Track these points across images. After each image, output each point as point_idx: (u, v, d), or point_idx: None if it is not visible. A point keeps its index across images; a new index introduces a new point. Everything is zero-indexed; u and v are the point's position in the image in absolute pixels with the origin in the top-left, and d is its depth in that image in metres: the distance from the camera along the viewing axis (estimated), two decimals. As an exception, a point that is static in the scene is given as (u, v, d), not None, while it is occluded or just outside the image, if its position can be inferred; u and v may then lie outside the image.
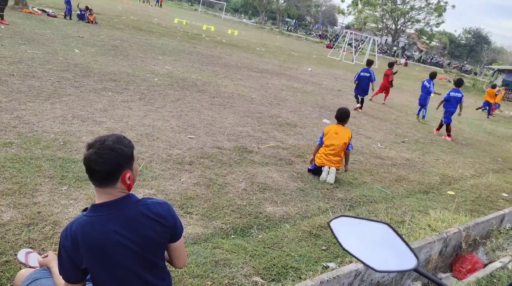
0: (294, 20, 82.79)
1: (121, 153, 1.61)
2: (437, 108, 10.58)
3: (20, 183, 3.38)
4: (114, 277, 1.64)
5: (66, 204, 3.25)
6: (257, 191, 4.31)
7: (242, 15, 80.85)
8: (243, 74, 12.41)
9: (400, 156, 7.00)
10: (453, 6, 52.55)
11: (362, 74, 10.84)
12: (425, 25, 55.20)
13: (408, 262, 1.25)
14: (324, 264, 3.09)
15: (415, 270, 1.24)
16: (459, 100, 9.52)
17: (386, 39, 63.22)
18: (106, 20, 18.32)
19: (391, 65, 13.59)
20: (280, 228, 3.63)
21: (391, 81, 13.17)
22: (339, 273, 2.80)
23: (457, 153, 8.29)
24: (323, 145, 5.16)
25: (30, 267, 2.22)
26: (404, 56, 52.57)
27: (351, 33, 36.03)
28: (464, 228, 4.12)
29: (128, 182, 1.67)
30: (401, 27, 56.57)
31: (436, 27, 55.92)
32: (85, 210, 1.68)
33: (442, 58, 65.76)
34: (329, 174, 4.99)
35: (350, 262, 3.02)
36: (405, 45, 73.03)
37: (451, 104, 9.53)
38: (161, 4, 49.13)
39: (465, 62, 71.64)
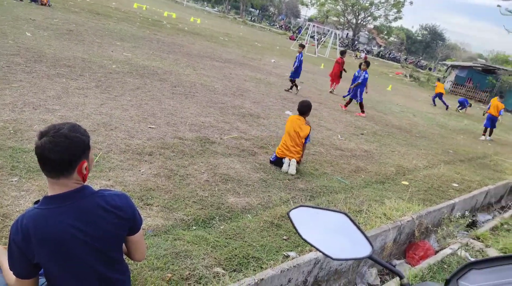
0: (258, 11, 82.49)
1: (78, 142, 1.53)
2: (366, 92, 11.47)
3: (-37, 175, 3.15)
4: (69, 272, 1.58)
5: (17, 195, 3.07)
6: (219, 182, 4.29)
7: (205, 3, 79.43)
8: (206, 64, 12.24)
9: (359, 148, 7.22)
10: (411, 3, 54.55)
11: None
12: (384, 20, 57.04)
13: (364, 250, 1.29)
14: (285, 254, 3.15)
15: (370, 257, 1.29)
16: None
17: (348, 33, 64.60)
18: (60, 2, 17.33)
19: (343, 53, 14.14)
20: (242, 218, 3.64)
21: (341, 70, 13.74)
22: (299, 262, 2.86)
23: (411, 145, 8.67)
24: (283, 136, 5.25)
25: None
26: (364, 50, 54.05)
27: (313, 25, 36.52)
28: (417, 216, 4.33)
29: (84, 173, 1.60)
30: (362, 22, 58.06)
31: (394, 21, 57.99)
32: (36, 202, 1.60)
33: (400, 53, 68.23)
34: (290, 166, 5.06)
35: (310, 251, 3.09)
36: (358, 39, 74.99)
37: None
38: None
39: (420, 57, 74.86)
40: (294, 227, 1.37)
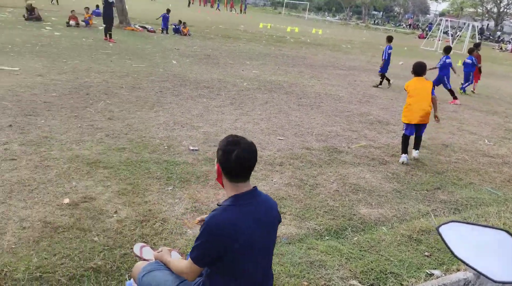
0: (382, 13, 78.85)
1: (256, 150, 1.82)
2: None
3: (133, 184, 3.79)
4: (247, 263, 1.76)
5: (172, 202, 3.56)
6: (349, 192, 4.22)
7: (326, 13, 79.51)
8: (330, 73, 12.22)
9: (513, 154, 6.24)
10: None
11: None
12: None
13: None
14: (428, 271, 2.91)
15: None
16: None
17: (488, 24, 56.64)
18: (198, 31, 19.54)
19: (477, 45, 12.28)
20: (376, 231, 3.51)
21: (480, 66, 12.00)
22: (446, 282, 2.61)
23: None
24: (407, 103, 5.28)
25: (144, 259, 2.46)
26: (511, 41, 46.56)
27: (446, 20, 33.08)
28: None
29: None
30: (505, 10, 50.16)
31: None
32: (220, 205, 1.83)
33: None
34: (413, 154, 5.32)
35: (458, 270, 2.79)
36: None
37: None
38: (243, 11, 50.84)
39: None
40: (446, 244, 1.28)
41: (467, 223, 1.29)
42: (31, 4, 15.71)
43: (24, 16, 15.52)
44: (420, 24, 59.46)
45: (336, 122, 6.91)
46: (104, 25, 13.27)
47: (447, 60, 10.04)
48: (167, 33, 17.57)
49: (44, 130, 4.83)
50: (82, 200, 3.40)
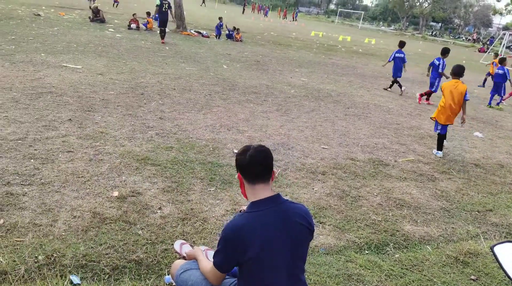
0: (440, 24, 75.59)
1: (270, 153, 1.88)
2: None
3: (177, 182, 3.93)
4: (269, 268, 1.77)
5: (213, 203, 3.64)
6: (393, 207, 4.08)
7: (381, 22, 77.62)
8: (380, 84, 11.90)
9: None
10: None
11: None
12: None
13: None
14: (473, 296, 2.74)
15: None
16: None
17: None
18: (250, 37, 19.86)
19: (502, 61, 11.58)
20: (420, 249, 3.36)
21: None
22: (493, 309, 2.45)
23: None
24: (443, 105, 5.75)
25: (183, 257, 2.53)
26: None
27: (510, 34, 31.03)
28: None
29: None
30: None
31: None
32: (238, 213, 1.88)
33: None
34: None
35: (508, 298, 2.61)
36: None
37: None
38: (294, 18, 51.04)
39: None
40: (499, 264, 1.21)
41: (525, 244, 1.21)
42: (97, 7, 16.81)
43: (89, 17, 16.63)
44: (481, 38, 56.24)
45: (384, 134, 6.71)
46: (160, 29, 14.01)
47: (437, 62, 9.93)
48: (219, 38, 18.04)
49: (100, 126, 5.14)
50: (130, 194, 3.58)
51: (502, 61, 10.88)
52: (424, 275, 2.96)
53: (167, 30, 16.32)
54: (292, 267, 1.81)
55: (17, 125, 4.73)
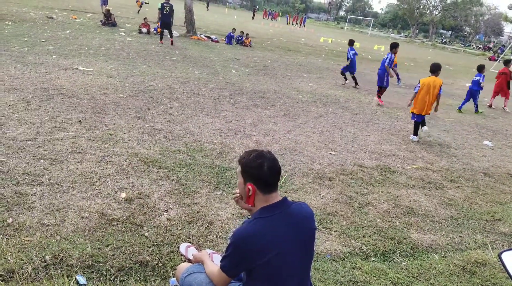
0: (450, 32, 75.18)
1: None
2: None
3: (184, 185, 3.94)
4: (280, 276, 1.76)
5: (220, 207, 3.65)
6: (400, 215, 4.05)
7: (390, 29, 77.41)
8: (389, 90, 11.81)
9: None
10: None
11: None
12: None
13: None
14: (481, 307, 2.70)
15: None
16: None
17: None
18: (259, 43, 19.94)
19: (507, 62, 11.42)
20: (427, 258, 3.33)
21: (509, 81, 11.28)
22: (501, 320, 2.41)
23: None
24: (420, 98, 6.65)
25: (189, 260, 2.53)
26: None
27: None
28: None
29: None
30: None
31: None
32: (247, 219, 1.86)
33: None
34: (424, 131, 6.77)
35: (516, 310, 2.57)
36: None
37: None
38: (302, 24, 51.25)
39: None
40: (507, 272, 1.20)
41: (532, 253, 1.20)
42: (108, 10, 17.04)
43: (101, 21, 16.85)
44: (492, 46, 55.77)
45: (392, 141, 6.68)
46: (161, 31, 14.82)
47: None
48: (231, 44, 18.15)
49: (109, 128, 5.19)
50: (137, 196, 3.60)
51: (481, 68, 10.53)
52: (431, 284, 2.93)
53: (176, 34, 16.51)
54: (302, 270, 1.83)
55: (27, 126, 4.80)
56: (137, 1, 26.95)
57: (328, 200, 4.11)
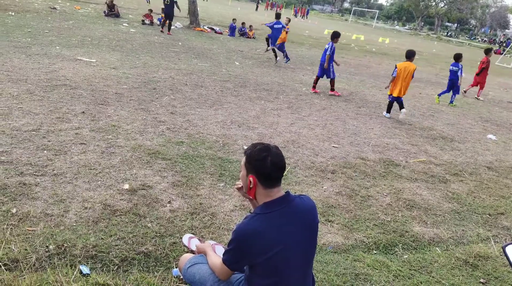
0: (456, 25, 74.46)
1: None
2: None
3: (187, 177, 3.95)
4: (284, 270, 1.77)
5: (222, 199, 3.66)
6: (403, 208, 4.04)
7: (395, 22, 76.73)
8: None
9: None
10: None
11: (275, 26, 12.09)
12: None
13: None
14: (482, 300, 2.71)
15: None
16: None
17: None
18: (263, 35, 19.78)
19: (487, 51, 11.33)
20: (429, 251, 3.33)
21: (481, 70, 11.32)
22: (502, 314, 2.42)
23: None
24: (396, 81, 7.36)
25: (192, 251, 2.55)
26: None
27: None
28: None
29: None
30: None
31: None
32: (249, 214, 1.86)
33: None
34: (402, 113, 7.39)
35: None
36: None
37: None
38: (305, 16, 50.99)
39: None
40: (510, 264, 1.20)
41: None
42: (112, 1, 16.95)
43: (104, 12, 16.78)
44: (497, 39, 55.21)
45: (396, 134, 6.65)
46: (163, 20, 15.10)
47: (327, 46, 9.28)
48: (233, 35, 18.05)
49: (113, 119, 5.20)
50: (140, 187, 3.61)
51: (458, 57, 10.13)
52: (433, 277, 2.93)
53: (179, 25, 16.44)
54: (305, 263, 1.83)
55: (31, 117, 4.81)
56: None
57: (330, 193, 4.11)
